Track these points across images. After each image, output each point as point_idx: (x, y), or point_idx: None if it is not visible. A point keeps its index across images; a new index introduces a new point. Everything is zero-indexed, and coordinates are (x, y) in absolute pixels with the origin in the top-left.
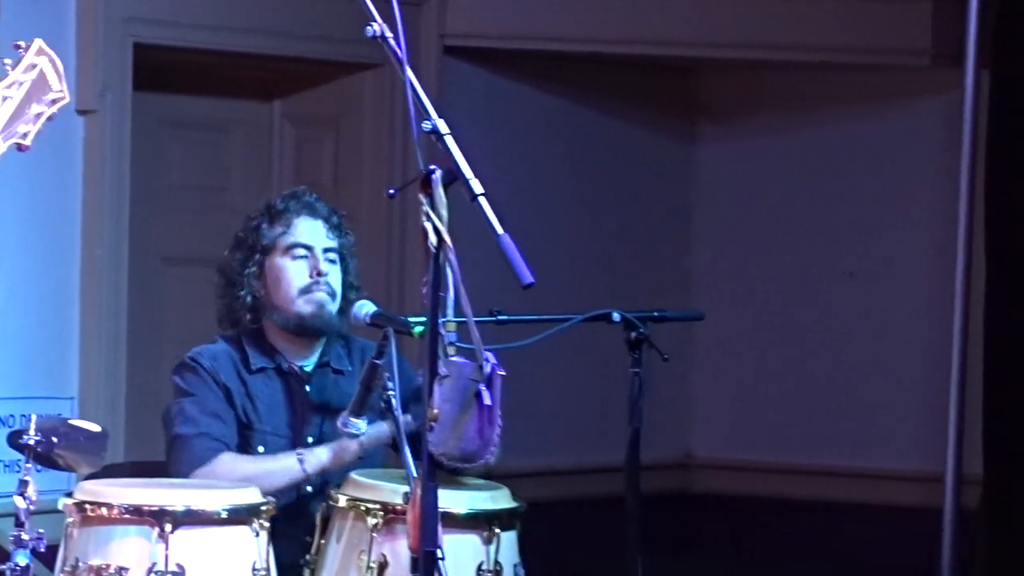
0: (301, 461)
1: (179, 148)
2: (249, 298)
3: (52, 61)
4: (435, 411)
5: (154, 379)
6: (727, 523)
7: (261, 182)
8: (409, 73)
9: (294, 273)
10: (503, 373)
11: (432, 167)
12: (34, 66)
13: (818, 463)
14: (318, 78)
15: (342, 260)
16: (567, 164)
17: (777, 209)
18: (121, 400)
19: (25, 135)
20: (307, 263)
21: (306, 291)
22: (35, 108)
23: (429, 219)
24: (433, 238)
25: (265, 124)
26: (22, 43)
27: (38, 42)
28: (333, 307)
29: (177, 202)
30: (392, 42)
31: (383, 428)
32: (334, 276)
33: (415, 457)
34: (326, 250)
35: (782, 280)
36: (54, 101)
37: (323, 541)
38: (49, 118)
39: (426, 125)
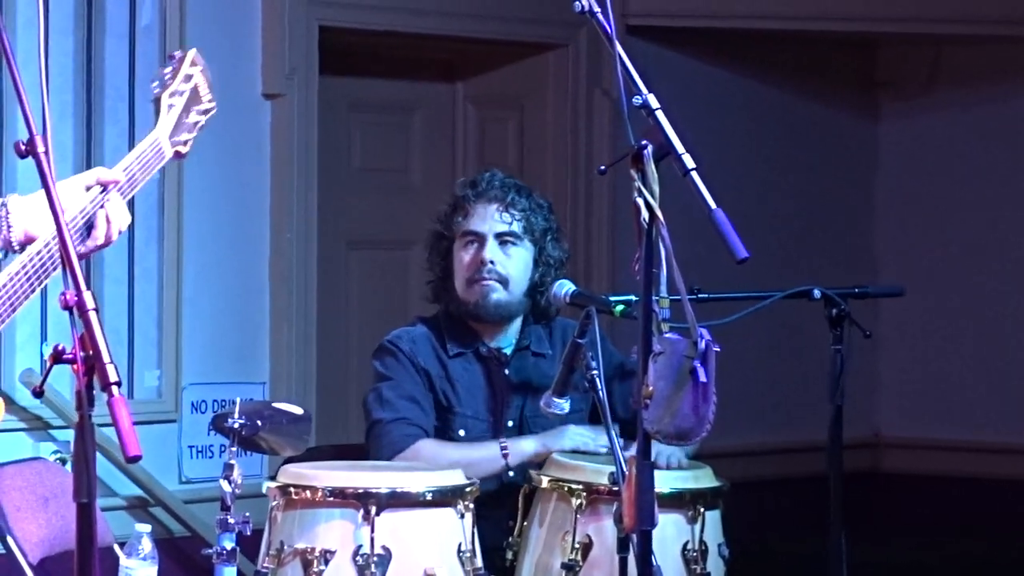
0: (504, 453)
1: (362, 131)
2: (435, 283)
3: (204, 71)
4: (650, 388)
5: (343, 362)
6: (916, 502)
7: (444, 164)
8: (619, 47)
9: (465, 262)
10: (718, 349)
11: (644, 142)
12: (190, 77)
13: (1008, 441)
14: (501, 59)
15: (533, 242)
16: (748, 141)
17: (960, 184)
18: (312, 383)
19: (185, 143)
20: (475, 251)
21: (471, 280)
22: (192, 117)
23: (641, 195)
24: (645, 214)
25: (448, 106)
26: (177, 53)
27: (192, 52)
28: (503, 294)
29: (360, 185)
30: (600, 16)
31: (525, 448)
32: (510, 261)
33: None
34: (500, 235)
35: (966, 256)
36: (206, 111)
37: (526, 523)
38: (201, 128)
39: (636, 100)
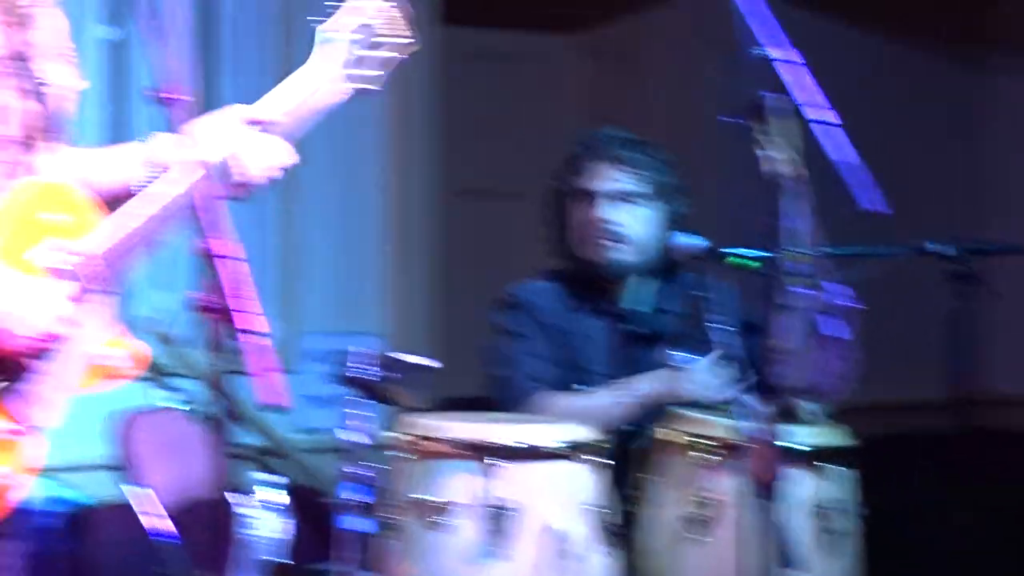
0: (623, 398)
1: (476, 81)
2: (553, 240)
3: (393, 5)
4: (782, 344)
5: (459, 312)
6: None
7: (555, 116)
8: None
9: (580, 221)
10: (855, 305)
11: (765, 94)
12: (361, 9)
13: None
14: (614, 11)
15: (650, 198)
16: (857, 95)
17: None
18: (430, 334)
19: (371, 79)
20: (590, 210)
21: (587, 239)
22: (379, 53)
23: (768, 148)
24: (774, 167)
25: (559, 57)
26: None
27: None
28: (620, 253)
29: (474, 135)
30: None
31: (643, 390)
32: (626, 219)
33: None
34: (614, 193)
35: None
36: (400, 46)
37: (649, 477)
38: (391, 64)
39: (758, 52)
